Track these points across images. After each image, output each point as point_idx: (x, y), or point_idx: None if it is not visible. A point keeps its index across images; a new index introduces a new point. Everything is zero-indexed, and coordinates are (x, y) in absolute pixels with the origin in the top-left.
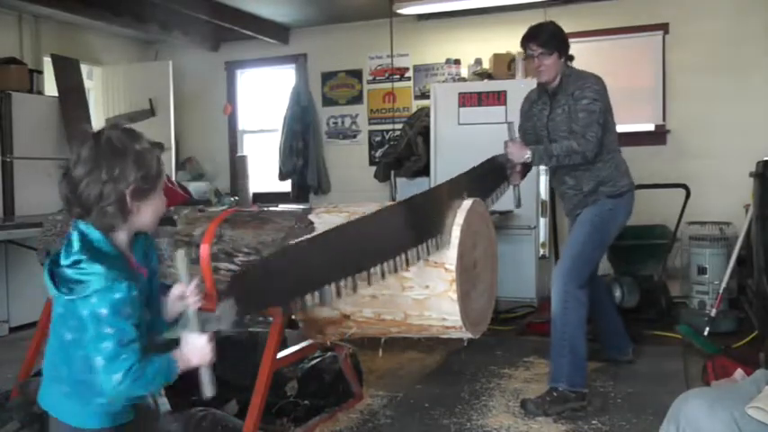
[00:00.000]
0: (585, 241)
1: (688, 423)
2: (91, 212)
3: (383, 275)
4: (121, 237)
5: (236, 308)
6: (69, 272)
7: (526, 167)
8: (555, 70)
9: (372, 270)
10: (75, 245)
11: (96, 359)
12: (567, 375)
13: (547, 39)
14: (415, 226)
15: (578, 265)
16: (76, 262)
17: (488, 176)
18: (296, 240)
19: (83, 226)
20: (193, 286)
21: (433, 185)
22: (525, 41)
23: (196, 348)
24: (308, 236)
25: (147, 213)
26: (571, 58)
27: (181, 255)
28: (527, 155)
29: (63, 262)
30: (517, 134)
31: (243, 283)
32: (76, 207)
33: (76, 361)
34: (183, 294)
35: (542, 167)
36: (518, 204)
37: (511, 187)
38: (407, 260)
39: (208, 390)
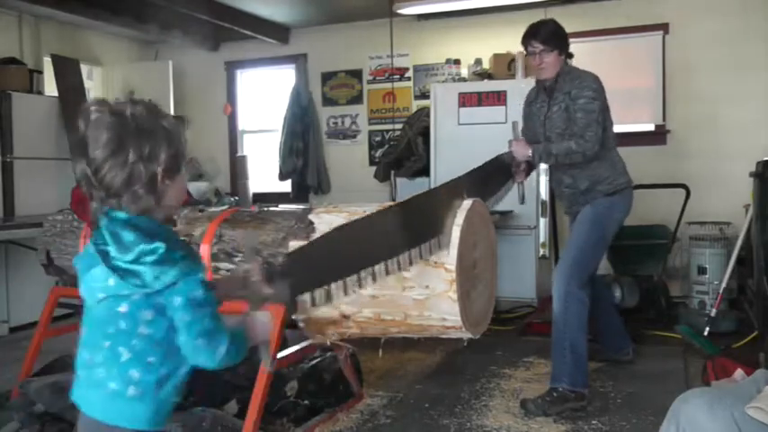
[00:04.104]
0: (584, 240)
1: (688, 423)
2: (119, 197)
3: (387, 273)
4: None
5: (288, 289)
6: (139, 267)
7: (530, 166)
8: (555, 67)
9: (377, 268)
10: (128, 235)
11: (196, 342)
12: (568, 375)
13: (548, 36)
14: (416, 226)
15: (578, 264)
16: (147, 252)
17: (493, 175)
18: (325, 233)
19: (118, 214)
20: (258, 266)
21: (433, 185)
22: (526, 39)
23: (263, 324)
24: (331, 230)
25: (173, 195)
26: (570, 55)
27: (249, 238)
28: (529, 152)
29: (123, 257)
30: (520, 134)
31: (292, 266)
32: (99, 191)
33: (150, 356)
34: (250, 273)
35: (543, 167)
36: (522, 201)
37: (516, 185)
38: (410, 260)
39: (268, 364)
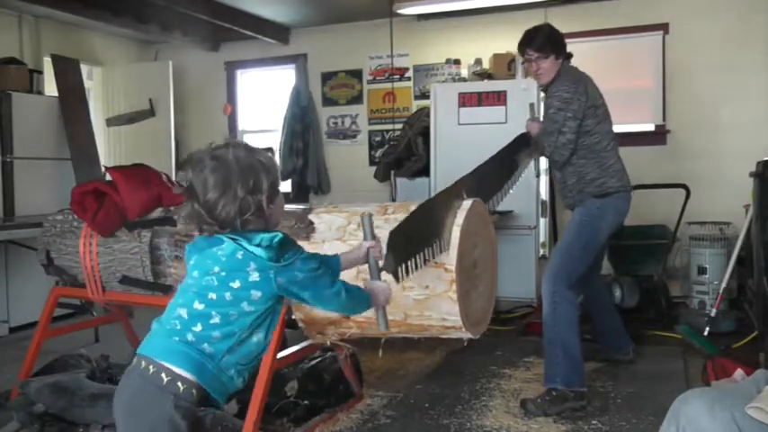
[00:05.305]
0: (573, 241)
1: (688, 423)
2: (232, 227)
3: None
4: None
5: (394, 260)
6: (263, 250)
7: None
8: (552, 72)
9: (442, 240)
10: (255, 236)
11: (323, 293)
12: (562, 375)
13: (542, 43)
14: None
15: (566, 264)
16: (273, 240)
17: (520, 148)
18: (410, 213)
19: (236, 235)
20: (377, 242)
21: (433, 186)
22: (521, 47)
23: (382, 290)
24: (413, 210)
25: (276, 215)
26: (569, 56)
27: (367, 217)
28: (534, 133)
29: (260, 243)
30: (537, 114)
31: (395, 241)
32: (215, 226)
33: (243, 326)
34: (371, 248)
35: (542, 167)
36: (537, 174)
37: (533, 160)
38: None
39: (383, 325)
